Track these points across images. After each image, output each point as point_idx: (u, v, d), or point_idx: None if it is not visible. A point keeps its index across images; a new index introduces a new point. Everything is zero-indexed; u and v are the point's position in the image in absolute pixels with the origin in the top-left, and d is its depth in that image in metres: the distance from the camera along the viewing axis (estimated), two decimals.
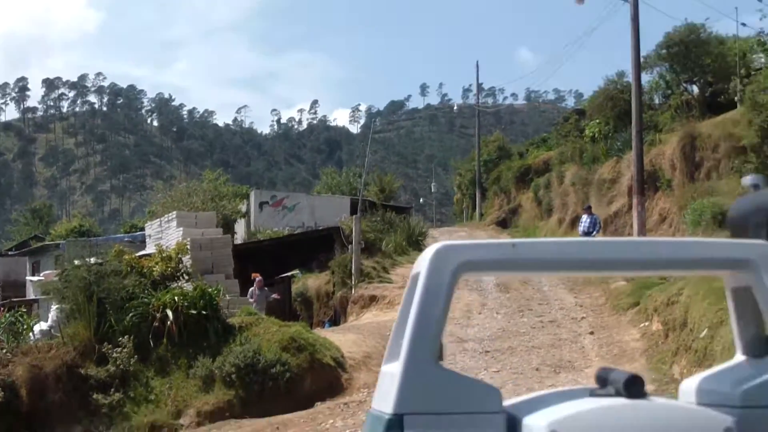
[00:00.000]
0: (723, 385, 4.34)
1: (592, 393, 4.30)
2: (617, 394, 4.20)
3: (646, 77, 45.13)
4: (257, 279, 34.25)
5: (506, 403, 4.45)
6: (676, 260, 4.52)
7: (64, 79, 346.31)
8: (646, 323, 23.09)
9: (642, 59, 38.43)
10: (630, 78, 38.33)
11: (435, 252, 4.47)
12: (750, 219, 4.69)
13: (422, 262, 4.56)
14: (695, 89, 45.42)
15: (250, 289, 33.71)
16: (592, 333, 24.50)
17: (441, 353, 4.46)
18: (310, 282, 41.43)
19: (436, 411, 4.27)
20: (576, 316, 27.27)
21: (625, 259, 4.50)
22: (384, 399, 4.45)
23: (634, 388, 4.16)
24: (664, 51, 44.30)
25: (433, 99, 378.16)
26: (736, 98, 39.90)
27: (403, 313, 4.68)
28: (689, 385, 4.54)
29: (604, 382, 4.34)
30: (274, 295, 35.71)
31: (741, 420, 4.11)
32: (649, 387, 14.95)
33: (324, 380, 23.41)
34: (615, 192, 44.16)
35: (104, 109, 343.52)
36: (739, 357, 4.51)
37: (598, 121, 51.11)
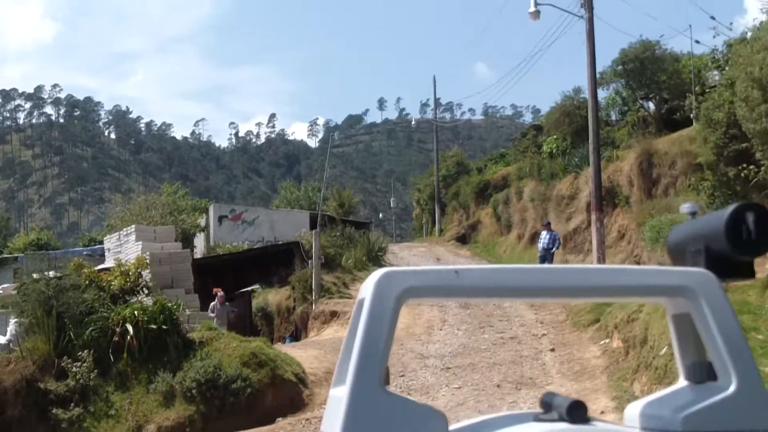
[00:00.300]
0: (665, 410, 4.40)
1: (536, 418, 4.36)
2: (560, 419, 4.27)
3: (602, 93, 45.58)
4: (219, 294, 34.14)
5: (452, 427, 4.37)
6: (613, 287, 4.58)
7: (20, 90, 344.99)
8: (607, 340, 23.21)
9: (598, 75, 38.72)
10: (586, 94, 38.59)
11: (379, 278, 4.39)
12: (688, 246, 4.76)
13: (366, 288, 4.45)
14: (651, 106, 45.84)
15: (212, 304, 33.59)
16: (553, 350, 24.57)
17: (387, 377, 4.42)
18: (270, 297, 41.42)
19: None
20: (537, 333, 27.35)
21: (562, 286, 4.54)
22: (332, 423, 4.31)
23: (576, 412, 4.22)
24: (619, 67, 44.69)
25: (391, 113, 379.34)
26: (691, 115, 40.25)
27: (349, 338, 4.67)
28: (633, 410, 4.61)
29: (548, 406, 4.40)
30: (233, 310, 35.64)
31: None
32: (609, 404, 15.07)
33: (285, 396, 23.37)
34: (574, 208, 44.43)
35: (61, 120, 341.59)
36: (682, 382, 4.59)
37: (555, 137, 51.46)
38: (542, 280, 4.60)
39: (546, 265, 6.06)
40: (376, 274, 4.41)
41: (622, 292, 4.82)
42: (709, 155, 30.49)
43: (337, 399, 4.46)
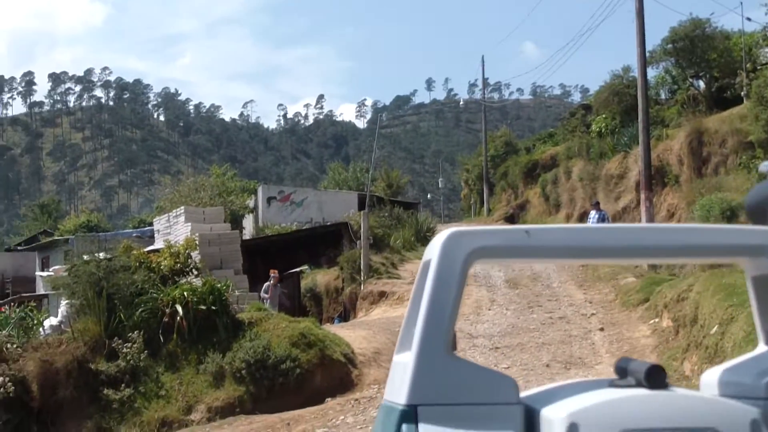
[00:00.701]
0: (746, 377, 4.26)
1: (612, 383, 4.21)
2: (638, 384, 4.09)
3: (652, 72, 45.17)
4: (273, 275, 34.29)
5: (523, 394, 4.34)
6: (692, 246, 4.42)
7: (70, 74, 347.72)
8: (656, 319, 23.05)
9: (648, 54, 38.35)
10: (636, 73, 38.22)
11: (446, 238, 4.34)
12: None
13: (433, 249, 4.42)
14: (701, 84, 45.40)
15: (266, 285, 33.74)
16: (602, 329, 24.45)
17: (454, 343, 4.32)
18: (319, 278, 41.50)
19: (450, 402, 4.14)
20: (586, 313, 27.22)
21: (639, 245, 4.44)
22: (397, 390, 4.31)
23: (655, 378, 4.05)
24: (669, 46, 44.27)
25: (439, 94, 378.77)
26: (742, 93, 39.85)
27: (414, 302, 4.54)
28: (710, 377, 4.45)
29: (623, 372, 4.26)
30: (284, 291, 35.79)
31: (766, 412, 4.06)
32: None
33: (334, 376, 23.40)
34: (623, 187, 44.14)
35: (111, 103, 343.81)
36: (762, 347, 4.45)
37: (604, 116, 51.08)
38: (619, 240, 4.47)
39: (624, 225, 5.73)
40: (444, 234, 4.37)
41: (702, 252, 4.66)
42: (760, 133, 30.24)
43: (401, 365, 4.38)
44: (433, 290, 4.22)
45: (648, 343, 21.26)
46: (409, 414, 4.08)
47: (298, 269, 42.60)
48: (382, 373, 23.31)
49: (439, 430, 4.06)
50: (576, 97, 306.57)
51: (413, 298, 4.51)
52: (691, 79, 45.62)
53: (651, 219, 33.73)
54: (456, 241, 4.32)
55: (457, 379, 4.16)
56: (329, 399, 22.20)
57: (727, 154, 35.65)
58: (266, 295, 32.85)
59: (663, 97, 50.10)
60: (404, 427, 4.07)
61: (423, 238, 48.13)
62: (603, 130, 50.24)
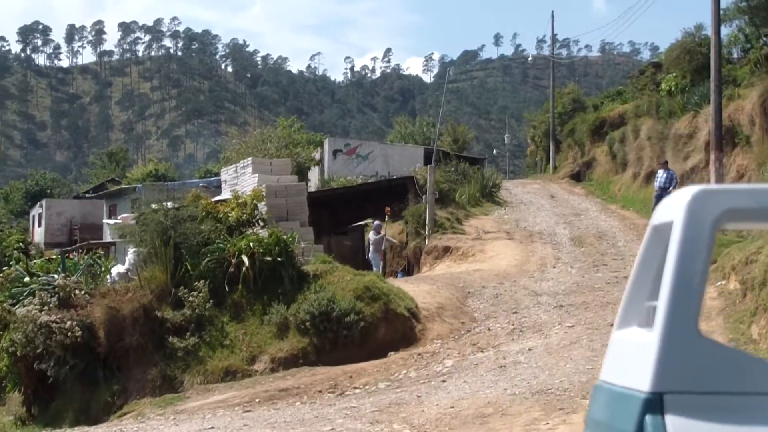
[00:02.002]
0: None
1: None
2: None
3: (724, 30, 44.32)
4: (376, 223, 34.70)
5: None
6: None
7: (140, 23, 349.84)
8: (723, 282, 22.79)
9: (721, 11, 37.73)
10: (708, 31, 37.67)
11: (692, 198, 3.90)
12: None
13: (673, 211, 3.97)
14: None
15: (370, 234, 34.19)
16: None
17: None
18: (383, 231, 41.53)
19: (702, 390, 3.67)
20: None
21: None
22: (629, 373, 3.88)
23: None
24: (743, 3, 43.49)
25: (507, 49, 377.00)
26: None
27: (642, 270, 4.18)
28: None
29: None
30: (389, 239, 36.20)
31: None
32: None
33: (398, 330, 23.43)
34: (692, 147, 43.58)
35: (179, 53, 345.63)
36: None
37: (674, 74, 50.35)
38: None
39: None
40: (687, 192, 3.98)
41: None
42: None
43: (633, 344, 4.02)
44: (680, 258, 3.78)
45: (714, 305, 21.04)
46: (655, 403, 3.64)
47: (363, 223, 42.59)
48: (446, 329, 23.36)
49: (691, 424, 3.61)
50: (645, 55, 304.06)
51: (640, 266, 4.21)
52: (765, 38, 44.80)
53: (720, 180, 33.33)
54: (704, 201, 3.91)
55: (710, 363, 3.73)
56: (392, 353, 22.27)
57: None
58: (373, 239, 33.92)
59: (735, 56, 49.26)
60: (648, 418, 3.61)
61: (488, 194, 48.01)
62: (673, 88, 49.56)
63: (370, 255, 34.68)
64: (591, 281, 27.08)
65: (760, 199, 3.97)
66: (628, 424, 3.68)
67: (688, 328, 3.69)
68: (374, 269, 33.20)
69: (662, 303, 3.71)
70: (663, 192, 35.79)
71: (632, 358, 3.89)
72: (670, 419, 3.59)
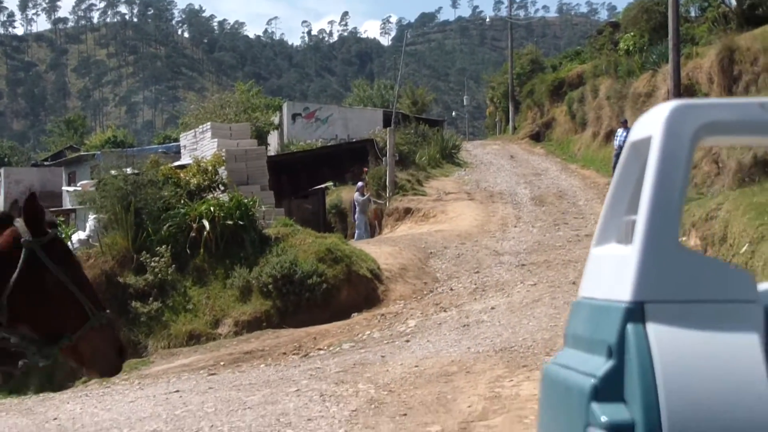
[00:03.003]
0: None
1: None
2: None
3: None
4: (359, 183, 34.66)
5: (764, 286, 3.97)
6: None
7: None
8: (684, 238, 22.97)
9: None
10: None
11: (671, 112, 3.87)
12: None
13: (651, 124, 3.98)
14: (733, 1, 44.73)
15: (355, 195, 34.10)
16: None
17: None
18: (344, 194, 41.44)
19: (682, 299, 3.71)
20: None
21: None
22: (610, 286, 3.91)
23: None
24: None
25: (464, 11, 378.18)
26: None
27: (619, 188, 4.22)
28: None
29: None
30: (376, 201, 36.15)
31: None
32: None
33: (360, 292, 23.49)
34: (651, 106, 43.31)
35: (135, 20, 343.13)
36: None
37: (632, 34, 50.41)
38: None
39: None
40: (666, 107, 3.97)
41: None
42: None
43: (611, 259, 4.06)
44: (660, 172, 3.81)
45: None
46: (636, 312, 3.67)
47: (323, 186, 42.55)
48: (408, 289, 23.44)
49: (671, 331, 3.64)
50: (603, 15, 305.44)
51: (618, 183, 4.25)
52: None
53: None
54: (682, 115, 3.90)
55: (689, 273, 3.76)
56: (355, 314, 22.35)
57: (758, 72, 35.17)
58: (358, 203, 34.15)
59: (693, 14, 49.44)
60: (630, 327, 3.65)
61: (448, 155, 48.06)
62: (631, 48, 49.62)
63: (356, 216, 34.65)
64: (552, 240, 27.21)
65: (739, 112, 4.00)
66: (610, 334, 3.72)
67: (668, 239, 3.74)
68: (359, 230, 33.33)
69: (642, 216, 3.75)
70: (622, 151, 35.97)
71: (612, 272, 3.93)
72: (651, 327, 3.63)
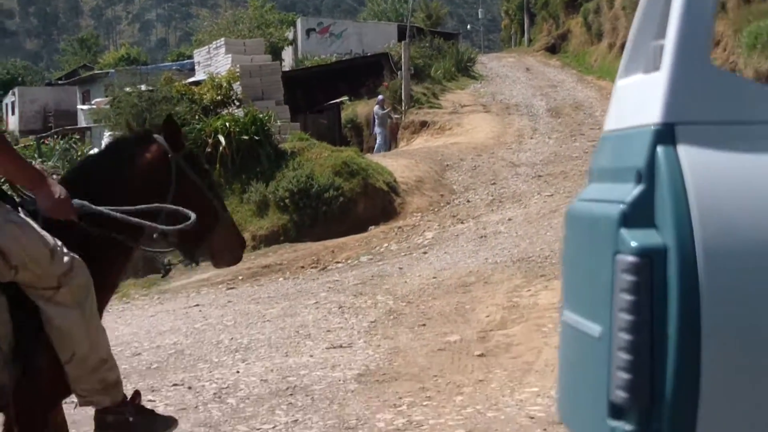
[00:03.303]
0: None
1: None
2: None
3: None
4: (379, 97, 34.52)
5: None
6: None
7: None
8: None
9: None
10: None
11: None
12: None
13: None
14: None
15: (375, 108, 34.01)
16: None
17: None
18: (359, 109, 41.28)
19: (714, 120, 3.49)
20: None
21: None
22: (636, 112, 3.70)
23: None
24: None
25: None
26: None
27: (645, 16, 3.97)
28: None
29: None
30: (391, 116, 36.08)
31: None
32: None
33: (377, 205, 23.48)
34: None
35: None
36: None
37: None
38: None
39: None
40: None
41: None
42: None
43: (638, 87, 3.88)
44: None
45: None
46: (666, 134, 3.44)
47: (338, 100, 42.39)
48: (425, 202, 23.46)
49: (703, 152, 3.43)
50: None
51: (644, 11, 3.98)
52: None
53: None
54: None
55: (723, 93, 3.52)
56: (372, 227, 22.37)
57: None
58: (376, 119, 33.67)
59: None
60: (660, 149, 3.43)
61: (464, 68, 47.78)
62: None
63: (376, 130, 34.61)
64: (569, 151, 27.13)
65: None
66: (638, 159, 3.54)
67: (699, 59, 3.51)
68: (379, 142, 33.30)
69: (671, 36, 3.52)
70: None
71: (639, 100, 3.73)
72: (682, 149, 3.44)
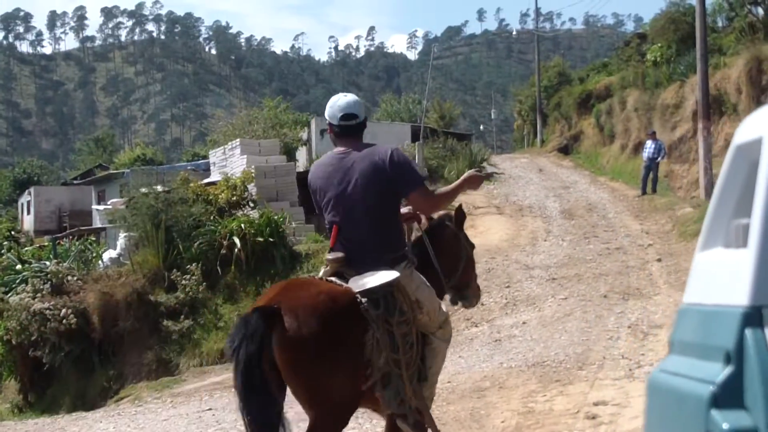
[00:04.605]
0: None
1: None
2: None
3: None
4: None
5: None
6: None
7: (121, 8, 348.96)
8: None
9: None
10: (693, 0, 37.57)
11: None
12: None
13: (762, 126, 3.81)
14: (760, 11, 44.57)
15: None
16: (659, 260, 24.28)
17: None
18: None
19: None
20: (642, 243, 27.06)
21: None
22: (720, 291, 3.79)
23: None
24: None
25: (491, 24, 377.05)
26: None
27: (724, 192, 4.10)
28: None
29: None
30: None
31: None
32: None
33: None
34: (679, 117, 43.61)
35: (162, 37, 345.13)
36: None
37: (660, 45, 50.30)
38: None
39: None
40: None
41: None
42: None
43: (720, 263, 3.95)
44: None
45: None
46: (754, 317, 3.50)
47: None
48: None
49: None
50: (629, 27, 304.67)
51: (723, 187, 4.14)
52: (749, 6, 44.80)
53: (709, 149, 33.30)
54: None
55: None
56: None
57: None
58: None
59: (720, 24, 49.30)
60: (748, 332, 3.48)
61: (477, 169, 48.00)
62: (658, 59, 49.51)
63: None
64: (582, 253, 27.10)
65: None
66: (727, 340, 3.59)
67: None
68: None
69: (756, 218, 3.59)
70: (651, 162, 35.87)
71: (722, 277, 3.82)
72: None
